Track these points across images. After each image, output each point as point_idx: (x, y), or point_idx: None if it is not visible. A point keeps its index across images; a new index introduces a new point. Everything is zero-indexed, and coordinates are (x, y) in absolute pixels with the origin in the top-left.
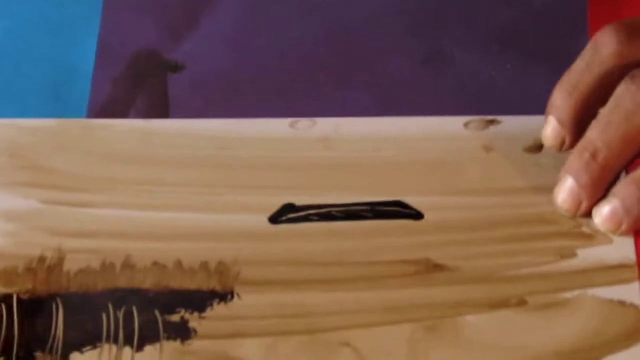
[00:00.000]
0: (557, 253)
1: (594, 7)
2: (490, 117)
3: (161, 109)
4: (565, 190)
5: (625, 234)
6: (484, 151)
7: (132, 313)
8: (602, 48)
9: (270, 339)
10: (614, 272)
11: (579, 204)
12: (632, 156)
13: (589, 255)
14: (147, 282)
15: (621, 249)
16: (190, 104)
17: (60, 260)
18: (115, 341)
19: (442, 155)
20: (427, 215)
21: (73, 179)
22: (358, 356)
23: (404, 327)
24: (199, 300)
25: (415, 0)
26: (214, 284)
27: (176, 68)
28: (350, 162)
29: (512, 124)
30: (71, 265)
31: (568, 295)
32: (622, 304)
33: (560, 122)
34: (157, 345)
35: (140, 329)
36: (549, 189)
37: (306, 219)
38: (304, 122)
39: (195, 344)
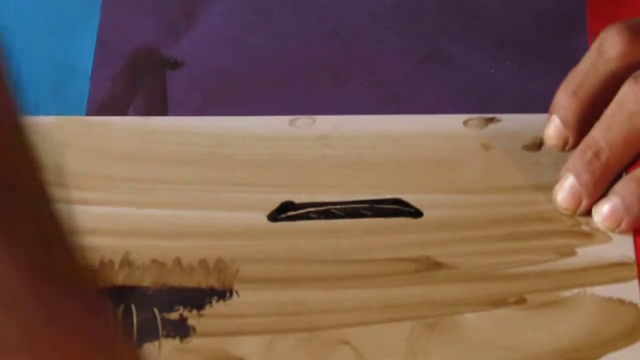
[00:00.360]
0: (556, 251)
1: (593, 5)
2: (489, 115)
3: (160, 107)
4: (566, 188)
5: (624, 232)
6: (483, 149)
7: (130, 310)
8: (607, 49)
9: (269, 337)
10: (613, 270)
11: (579, 202)
12: (633, 157)
13: (588, 254)
14: (146, 280)
15: (620, 247)
16: (189, 101)
17: None
18: None
19: (441, 153)
20: (426, 213)
21: (71, 175)
22: (357, 354)
23: (403, 324)
24: (198, 298)
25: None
26: (212, 282)
27: (175, 65)
28: (349, 159)
29: (512, 122)
30: None
31: (567, 293)
32: (621, 302)
33: (563, 121)
34: (156, 343)
35: (139, 326)
36: (548, 187)
37: (305, 216)
38: (303, 120)
39: (194, 342)
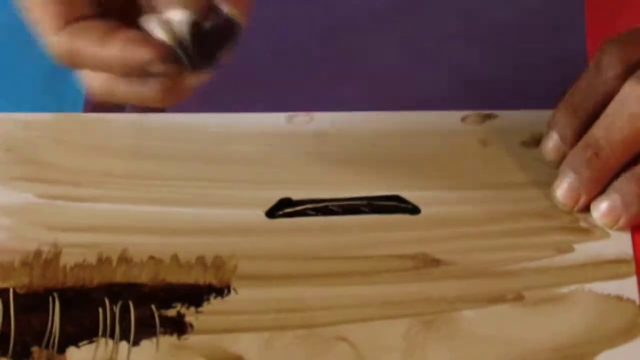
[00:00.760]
0: (554, 247)
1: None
2: (486, 112)
3: None
4: (565, 185)
5: (622, 229)
6: (480, 145)
7: (128, 307)
8: (605, 68)
9: (266, 334)
10: (611, 267)
11: (578, 198)
12: (633, 156)
13: (586, 250)
14: (144, 277)
15: (618, 244)
16: (187, 98)
17: (57, 255)
18: (112, 336)
19: (439, 149)
20: (424, 210)
21: (69, 173)
22: (354, 351)
23: (401, 321)
24: (195, 295)
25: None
26: (210, 279)
27: None
28: (347, 156)
29: (509, 118)
30: (67, 259)
31: (565, 289)
32: (619, 298)
33: (562, 138)
34: (154, 340)
35: (137, 323)
36: (546, 184)
37: (303, 213)
38: (300, 117)
39: (191, 339)
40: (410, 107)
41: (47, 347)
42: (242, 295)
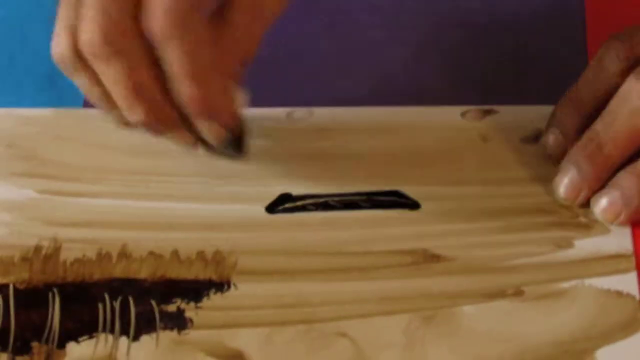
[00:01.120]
0: (554, 243)
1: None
2: (487, 107)
3: None
4: (567, 179)
5: (622, 224)
6: (480, 141)
7: (128, 303)
8: (607, 66)
9: (267, 329)
10: (611, 262)
11: (579, 193)
12: (634, 151)
13: (585, 245)
14: (143, 272)
15: (618, 239)
16: None
17: (56, 250)
18: (112, 331)
19: (439, 144)
20: (424, 205)
21: (69, 168)
22: (354, 346)
23: (401, 317)
24: (196, 290)
25: None
26: (210, 274)
27: None
28: (347, 151)
29: (510, 114)
30: (67, 254)
31: (565, 285)
32: (619, 293)
33: (564, 134)
34: (154, 335)
35: (137, 318)
36: (546, 179)
37: (303, 208)
38: (300, 112)
39: (191, 334)
40: (411, 102)
41: (46, 342)
42: (242, 291)
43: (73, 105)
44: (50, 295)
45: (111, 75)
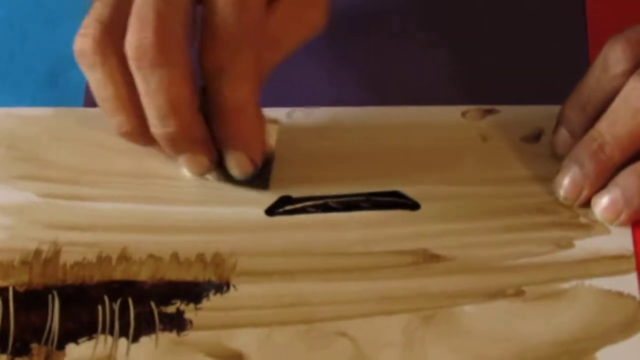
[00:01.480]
0: (554, 243)
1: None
2: (487, 106)
3: None
4: (568, 178)
5: (623, 224)
6: (481, 140)
7: (127, 304)
8: (612, 66)
9: (266, 329)
10: (612, 263)
11: (580, 192)
12: (636, 151)
13: (586, 246)
14: (143, 274)
15: (619, 240)
16: None
17: (56, 253)
18: (111, 332)
19: (439, 144)
20: (424, 205)
21: (69, 170)
22: (354, 346)
23: (400, 317)
24: (195, 291)
25: None
26: (209, 275)
27: None
28: (347, 151)
29: (510, 113)
30: (67, 257)
31: (565, 285)
32: (619, 294)
33: (571, 133)
34: (153, 336)
35: (136, 320)
36: (546, 179)
37: (303, 210)
38: (300, 112)
39: (190, 335)
40: (411, 102)
41: (46, 344)
42: (241, 292)
43: (74, 105)
44: (49, 297)
45: (153, 84)
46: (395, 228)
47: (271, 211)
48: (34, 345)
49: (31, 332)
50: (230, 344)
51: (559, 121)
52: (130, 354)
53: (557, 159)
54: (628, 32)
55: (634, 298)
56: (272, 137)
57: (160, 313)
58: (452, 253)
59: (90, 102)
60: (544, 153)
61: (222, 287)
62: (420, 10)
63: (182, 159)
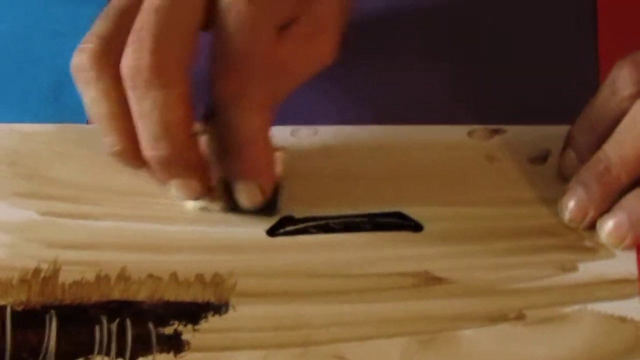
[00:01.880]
0: (557, 266)
1: (603, 18)
2: (494, 126)
3: None
4: (574, 199)
5: (628, 248)
6: (487, 161)
7: (125, 325)
8: (620, 88)
9: (264, 352)
10: (615, 287)
11: (586, 214)
12: None
13: (590, 269)
14: (142, 294)
15: (623, 263)
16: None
17: (56, 272)
18: (108, 353)
19: (444, 164)
20: (427, 226)
21: (71, 188)
22: None
23: (399, 340)
24: (193, 312)
25: (416, 6)
26: (208, 296)
27: None
28: (350, 171)
29: (517, 134)
30: (66, 276)
31: (568, 309)
32: (622, 319)
33: (579, 155)
34: (150, 358)
35: (133, 340)
36: (552, 201)
37: (304, 231)
38: (305, 130)
39: (188, 357)
40: (417, 121)
41: None
42: (240, 313)
43: (77, 121)
44: (47, 316)
45: (147, 105)
46: (397, 249)
47: (272, 231)
48: None
49: (28, 351)
50: None
51: (567, 143)
52: None
53: (564, 180)
54: (635, 55)
55: (636, 323)
56: (279, 164)
57: (158, 334)
58: (455, 275)
59: None
60: (551, 174)
61: (220, 308)
62: (426, 27)
63: (173, 183)
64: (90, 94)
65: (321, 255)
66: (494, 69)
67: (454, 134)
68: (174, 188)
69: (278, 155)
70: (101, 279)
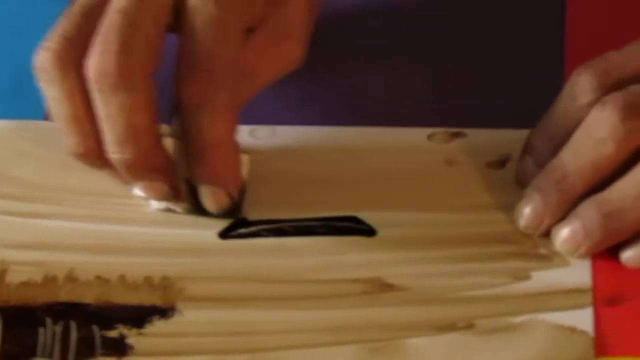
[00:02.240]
0: (511, 275)
1: (571, 23)
2: (455, 129)
3: None
4: (530, 206)
5: (583, 256)
6: (446, 165)
7: (69, 327)
8: (579, 95)
9: (210, 357)
10: (568, 297)
11: (541, 221)
12: (598, 181)
13: (543, 278)
14: (88, 296)
15: (577, 273)
16: None
17: (3, 272)
18: (50, 355)
19: (402, 168)
20: (382, 232)
21: (26, 187)
22: None
23: (349, 347)
24: (138, 316)
25: (380, 6)
26: (155, 299)
27: None
28: (307, 174)
29: (477, 137)
30: (13, 277)
31: (518, 319)
32: (572, 329)
33: (537, 162)
34: None
35: (77, 343)
36: (509, 207)
37: (257, 234)
38: (263, 130)
39: None
40: (379, 123)
41: None
42: (187, 317)
43: (35, 117)
44: None
45: (113, 108)
46: (351, 255)
47: (224, 234)
48: None
49: None
50: None
51: (525, 150)
52: None
53: (521, 187)
54: (595, 61)
55: (586, 334)
56: (244, 168)
57: (102, 337)
58: (406, 282)
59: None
60: (509, 180)
61: (167, 312)
62: (388, 28)
63: (139, 185)
64: (53, 93)
65: (273, 260)
66: (458, 71)
67: (415, 136)
68: (139, 189)
69: (243, 158)
70: (48, 280)
